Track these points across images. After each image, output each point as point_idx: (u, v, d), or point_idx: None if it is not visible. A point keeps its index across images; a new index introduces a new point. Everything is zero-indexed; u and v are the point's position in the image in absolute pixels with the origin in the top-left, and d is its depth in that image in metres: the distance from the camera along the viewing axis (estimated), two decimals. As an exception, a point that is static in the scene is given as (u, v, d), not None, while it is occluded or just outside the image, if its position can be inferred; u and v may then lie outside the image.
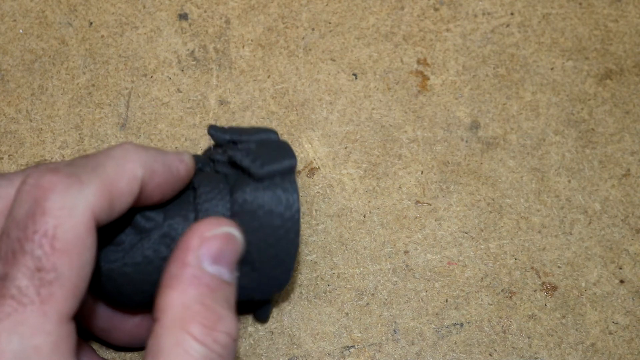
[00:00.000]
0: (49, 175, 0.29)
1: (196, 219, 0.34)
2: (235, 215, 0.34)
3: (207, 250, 0.31)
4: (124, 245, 0.34)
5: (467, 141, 0.45)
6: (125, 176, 0.31)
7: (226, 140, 0.37)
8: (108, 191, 0.30)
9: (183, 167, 0.34)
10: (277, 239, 0.35)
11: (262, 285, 0.36)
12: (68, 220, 0.28)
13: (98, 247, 0.34)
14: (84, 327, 0.38)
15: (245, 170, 0.35)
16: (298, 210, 0.34)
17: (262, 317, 0.40)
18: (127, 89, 0.45)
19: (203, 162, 0.37)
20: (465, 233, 0.43)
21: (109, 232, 0.34)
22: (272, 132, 0.37)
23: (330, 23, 0.47)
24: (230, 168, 0.36)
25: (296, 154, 0.44)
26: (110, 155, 0.31)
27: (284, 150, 0.35)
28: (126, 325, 0.37)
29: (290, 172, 0.35)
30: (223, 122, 0.44)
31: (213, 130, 0.37)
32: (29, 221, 0.28)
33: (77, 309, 0.29)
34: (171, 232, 0.34)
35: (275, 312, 0.41)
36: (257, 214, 0.34)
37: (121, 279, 0.34)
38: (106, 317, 0.37)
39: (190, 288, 0.30)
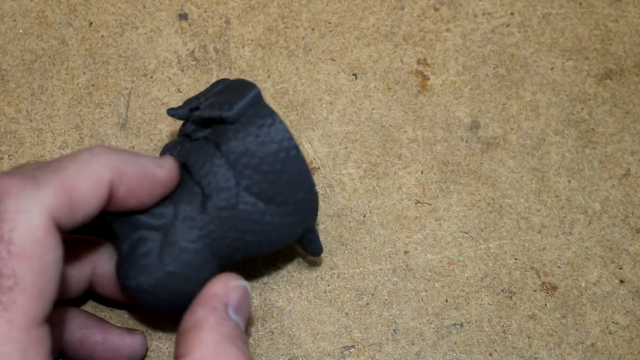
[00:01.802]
0: (5, 179, 0.28)
1: (202, 189, 0.34)
2: (234, 164, 0.34)
3: (231, 300, 0.33)
4: (153, 252, 0.34)
5: (467, 141, 0.45)
6: (89, 178, 0.30)
7: (187, 111, 0.37)
8: (67, 192, 0.29)
9: (161, 172, 0.33)
10: (282, 162, 0.34)
11: (296, 215, 0.35)
12: (24, 223, 0.27)
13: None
14: (100, 296, 0.38)
15: (218, 120, 0.35)
16: (285, 128, 0.34)
17: (316, 250, 0.39)
18: (127, 89, 0.45)
19: (180, 142, 0.37)
20: (465, 233, 0.43)
21: (128, 252, 0.34)
22: (224, 80, 0.37)
23: (330, 23, 0.47)
24: (204, 130, 0.36)
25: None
26: (75, 158, 0.30)
27: (243, 85, 0.35)
28: None
29: (258, 100, 0.35)
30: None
31: (172, 111, 0.37)
32: None
33: (47, 313, 0.28)
34: (189, 213, 0.34)
35: (275, 312, 0.41)
36: (251, 150, 0.34)
37: (170, 282, 0.34)
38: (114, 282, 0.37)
39: (220, 328, 0.32)
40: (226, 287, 0.33)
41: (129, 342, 0.38)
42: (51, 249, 0.28)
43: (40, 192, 0.28)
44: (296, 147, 0.35)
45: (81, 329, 0.37)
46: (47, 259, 0.28)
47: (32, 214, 0.28)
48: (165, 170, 0.33)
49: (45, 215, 0.28)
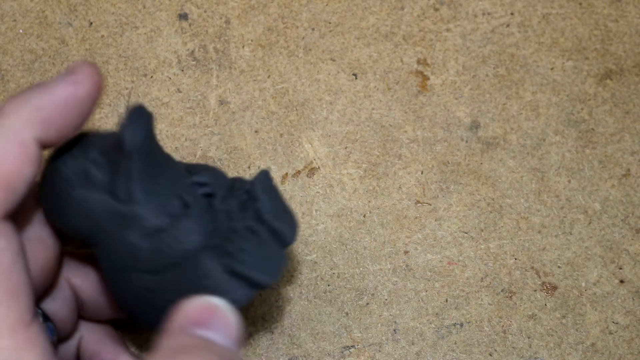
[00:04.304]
0: None
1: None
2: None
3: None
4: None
5: (467, 141, 0.45)
6: (12, 150, 0.26)
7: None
8: None
9: (82, 89, 0.27)
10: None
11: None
12: None
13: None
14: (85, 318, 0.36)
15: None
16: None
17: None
18: (127, 89, 0.45)
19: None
20: (465, 233, 0.43)
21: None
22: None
23: (330, 23, 0.47)
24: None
25: (296, 154, 0.44)
26: None
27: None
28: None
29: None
30: (223, 122, 0.44)
31: None
32: None
33: (31, 309, 0.26)
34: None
35: (275, 312, 0.41)
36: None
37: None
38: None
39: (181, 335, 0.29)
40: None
41: None
42: (6, 246, 0.26)
43: None
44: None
45: (96, 343, 0.36)
46: (7, 257, 0.26)
47: None
48: (86, 86, 0.28)
49: None
